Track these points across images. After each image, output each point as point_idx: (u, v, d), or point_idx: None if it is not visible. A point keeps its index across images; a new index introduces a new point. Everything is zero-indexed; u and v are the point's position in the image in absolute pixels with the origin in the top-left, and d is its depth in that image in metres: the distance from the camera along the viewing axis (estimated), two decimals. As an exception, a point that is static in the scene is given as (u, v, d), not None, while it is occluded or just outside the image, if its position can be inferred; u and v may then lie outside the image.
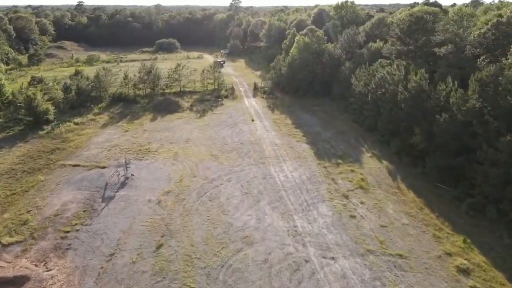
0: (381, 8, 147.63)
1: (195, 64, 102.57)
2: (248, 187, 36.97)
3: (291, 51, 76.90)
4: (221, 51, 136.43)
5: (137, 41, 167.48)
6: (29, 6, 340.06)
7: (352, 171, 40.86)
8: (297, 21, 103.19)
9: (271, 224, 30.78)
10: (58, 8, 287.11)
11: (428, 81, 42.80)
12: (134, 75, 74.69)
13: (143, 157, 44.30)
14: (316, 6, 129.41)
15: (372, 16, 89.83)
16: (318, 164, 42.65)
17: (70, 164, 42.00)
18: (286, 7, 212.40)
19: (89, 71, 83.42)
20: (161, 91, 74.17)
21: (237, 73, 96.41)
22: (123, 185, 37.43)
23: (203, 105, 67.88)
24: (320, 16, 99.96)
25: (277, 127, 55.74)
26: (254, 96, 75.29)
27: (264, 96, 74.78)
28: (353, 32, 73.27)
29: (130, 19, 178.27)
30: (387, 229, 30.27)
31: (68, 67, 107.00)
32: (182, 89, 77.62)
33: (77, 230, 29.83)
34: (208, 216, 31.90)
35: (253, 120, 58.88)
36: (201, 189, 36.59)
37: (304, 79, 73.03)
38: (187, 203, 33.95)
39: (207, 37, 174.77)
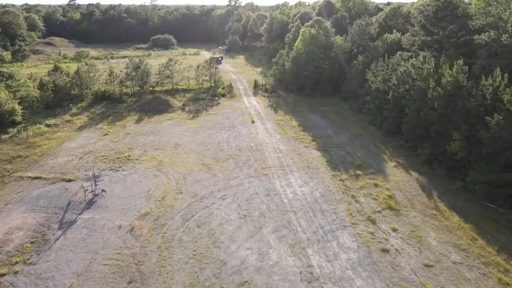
0: (388, 2, 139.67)
1: (191, 61, 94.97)
2: (247, 208, 29.26)
3: (295, 44, 69.20)
4: (220, 47, 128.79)
5: (132, 37, 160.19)
6: (26, 4, 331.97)
7: (376, 185, 33.13)
8: (300, 14, 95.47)
9: (277, 263, 23.07)
10: (55, 6, 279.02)
11: (467, 74, 35.09)
12: (121, 71, 67.00)
13: (120, 167, 36.57)
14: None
15: (382, 9, 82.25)
16: (333, 176, 34.93)
17: (29, 177, 34.27)
18: (287, 3, 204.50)
19: (75, 68, 75.92)
20: (151, 89, 66.45)
21: (236, 70, 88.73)
22: (90, 204, 29.72)
23: (197, 105, 60.18)
24: (326, 8, 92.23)
25: (282, 129, 48.03)
26: (255, 94, 67.60)
27: (266, 94, 67.09)
28: (365, 23, 65.49)
29: (125, 15, 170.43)
30: (434, 270, 22.54)
31: (54, 63, 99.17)
32: (174, 87, 69.93)
33: (16, 273, 22.09)
34: (194, 250, 24.18)
35: (253, 122, 51.19)
36: (188, 211, 28.87)
37: (310, 76, 65.33)
38: (168, 231, 26.23)
39: (206, 33, 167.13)
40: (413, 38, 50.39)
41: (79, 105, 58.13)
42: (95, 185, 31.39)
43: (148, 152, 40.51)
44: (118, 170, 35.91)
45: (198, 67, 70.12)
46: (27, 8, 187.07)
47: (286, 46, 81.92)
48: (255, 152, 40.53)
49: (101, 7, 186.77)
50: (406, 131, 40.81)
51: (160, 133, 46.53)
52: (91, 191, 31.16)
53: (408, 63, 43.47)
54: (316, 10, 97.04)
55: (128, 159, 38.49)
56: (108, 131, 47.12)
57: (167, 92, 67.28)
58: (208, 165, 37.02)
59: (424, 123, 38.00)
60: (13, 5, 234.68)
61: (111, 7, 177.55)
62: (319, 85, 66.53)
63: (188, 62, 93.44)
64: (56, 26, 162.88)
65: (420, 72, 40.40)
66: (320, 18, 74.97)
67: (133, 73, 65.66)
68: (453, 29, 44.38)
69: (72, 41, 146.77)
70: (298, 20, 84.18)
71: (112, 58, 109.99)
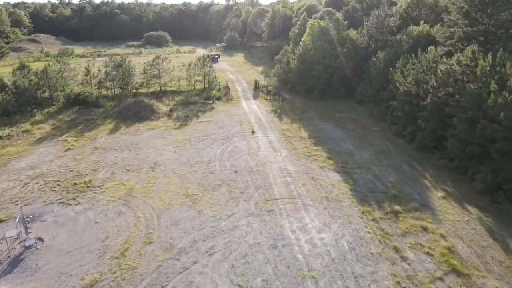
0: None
1: (186, 59, 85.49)
2: (244, 271, 19.87)
3: (302, 39, 59.79)
4: (217, 44, 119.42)
5: (125, 35, 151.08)
6: (23, 2, 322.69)
7: (425, 229, 23.73)
8: (306, 6, 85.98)
9: None
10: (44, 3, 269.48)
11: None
12: (99, 70, 57.60)
13: (74, 199, 27.19)
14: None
15: (395, 3, 72.73)
16: (362, 213, 25.56)
17: None
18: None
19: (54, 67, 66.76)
20: (134, 91, 57.09)
21: (234, 69, 79.26)
22: (13, 264, 20.34)
23: (186, 110, 50.78)
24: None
25: (289, 143, 38.63)
26: (255, 97, 58.17)
27: (268, 97, 57.69)
28: (385, 13, 56.03)
29: (118, 11, 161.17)
30: None
31: (34, 62, 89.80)
32: (162, 88, 60.55)
33: None
34: None
35: (253, 132, 41.80)
36: (157, 277, 19.49)
37: (320, 76, 55.93)
38: (121, 319, 16.84)
39: (203, 31, 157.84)
40: (450, 29, 40.97)
41: (46, 110, 48.75)
42: (26, 232, 21.98)
43: (116, 175, 31.13)
44: (71, 204, 26.53)
45: (189, 65, 60.67)
46: (15, 4, 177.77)
47: (290, 42, 72.51)
48: (256, 175, 31.13)
49: (93, 3, 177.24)
50: (453, 148, 31.33)
51: (137, 148, 37.13)
52: (21, 241, 21.78)
53: (453, 60, 33.99)
54: (323, 3, 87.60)
55: (88, 186, 29.09)
56: (72, 145, 37.71)
57: (154, 95, 57.92)
58: (192, 196, 27.63)
59: (480, 138, 28.59)
60: (8, 3, 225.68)
61: (104, 2, 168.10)
62: (330, 87, 57.13)
63: (182, 60, 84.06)
64: (44, 22, 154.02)
65: (471, 72, 30.98)
66: (330, 9, 65.54)
67: (114, 73, 56.30)
68: (506, 17, 34.97)
69: (59, 38, 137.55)
70: (305, 12, 74.60)
71: (99, 56, 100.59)
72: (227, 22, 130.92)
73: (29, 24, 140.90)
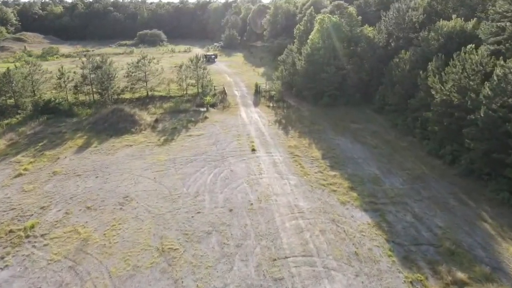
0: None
1: (180, 59, 77.58)
2: None
3: (310, 37, 51.93)
4: (215, 43, 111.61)
5: (118, 34, 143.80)
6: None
7: (509, 315, 15.91)
8: (312, 1, 78.12)
9: None
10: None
11: None
12: (74, 72, 49.82)
13: (1, 259, 19.38)
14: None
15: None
16: (411, 283, 17.74)
17: None
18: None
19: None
20: (115, 97, 49.29)
21: (232, 70, 71.37)
22: None
23: (175, 120, 43.03)
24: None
25: (298, 165, 30.83)
26: (256, 104, 50.35)
27: (271, 104, 49.91)
28: (406, 6, 48.14)
29: (111, 8, 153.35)
30: None
31: (13, 62, 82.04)
32: (149, 93, 52.75)
33: None
34: None
35: (254, 150, 34.00)
36: None
37: (331, 79, 48.16)
38: None
39: (201, 29, 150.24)
40: (497, 24, 33.15)
41: (7, 121, 41.01)
42: None
43: (71, 216, 23.34)
44: (-5, 267, 18.72)
45: (180, 67, 52.81)
46: (5, 2, 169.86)
47: (295, 40, 64.66)
48: (258, 216, 23.34)
49: (86, 1, 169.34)
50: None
51: (107, 173, 29.33)
52: None
53: (510, 62, 26.17)
54: (331, -3, 79.71)
55: (28, 235, 21.32)
56: (25, 169, 29.91)
57: (139, 101, 50.21)
58: (169, 252, 19.84)
59: None
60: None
61: (96, 0, 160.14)
62: (342, 92, 49.35)
63: (175, 60, 76.16)
64: (33, 21, 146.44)
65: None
66: (341, 1, 57.70)
67: (92, 76, 48.55)
68: None
69: (48, 37, 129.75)
70: (311, 7, 66.65)
71: (85, 56, 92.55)
72: (225, 20, 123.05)
73: (16, 22, 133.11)
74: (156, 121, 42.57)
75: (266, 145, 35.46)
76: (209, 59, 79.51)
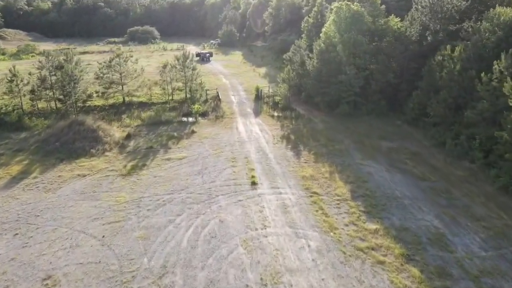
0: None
1: (170, 58, 67.87)
2: None
3: (324, 30, 42.14)
4: (211, 41, 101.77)
5: (109, 31, 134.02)
6: None
7: None
8: (320, -8, 68.11)
9: None
10: None
11: None
12: (30, 74, 40.06)
13: None
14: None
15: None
16: None
17: None
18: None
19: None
20: (81, 104, 39.60)
21: (230, 71, 61.47)
22: None
23: (152, 136, 33.32)
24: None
25: (319, 211, 21.14)
26: (257, 113, 40.58)
27: (275, 114, 40.15)
28: (446, -9, 38.37)
29: (102, 4, 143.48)
30: None
31: (-18, 61, 72.54)
32: (127, 99, 43.01)
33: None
34: None
35: (255, 184, 24.26)
36: None
37: (350, 82, 38.46)
38: None
39: (197, 26, 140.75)
40: None
41: None
42: None
43: None
44: None
45: (164, 67, 43.03)
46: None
47: (303, 35, 54.97)
48: (262, 323, 13.61)
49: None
50: None
51: (33, 228, 19.61)
52: None
53: None
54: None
55: None
56: None
57: (112, 109, 40.64)
58: None
59: None
60: None
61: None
62: (364, 98, 39.68)
63: (166, 59, 66.18)
64: (18, 17, 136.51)
65: None
66: (361, -13, 47.87)
67: (53, 78, 38.89)
68: None
69: (31, 34, 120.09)
70: (322, -3, 56.77)
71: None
72: (223, 16, 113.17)
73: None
74: (128, 137, 32.84)
75: (272, 174, 25.73)
76: (203, 58, 69.77)
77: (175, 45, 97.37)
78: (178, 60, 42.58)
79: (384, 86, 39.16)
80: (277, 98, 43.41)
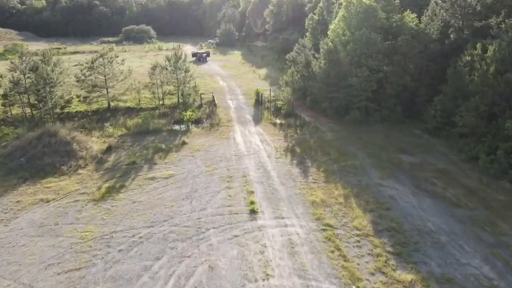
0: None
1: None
2: None
3: (332, 26, 37.80)
4: (209, 40, 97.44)
5: (104, 30, 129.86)
6: None
7: None
8: (325, -13, 63.68)
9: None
10: None
11: None
12: (1, 76, 35.73)
13: None
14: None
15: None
16: None
17: None
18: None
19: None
20: (59, 110, 35.26)
21: (228, 72, 57.02)
22: None
23: (137, 148, 28.95)
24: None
25: (335, 252, 16.73)
26: (257, 120, 36.17)
27: (278, 121, 35.74)
28: (470, -17, 33.92)
29: (97, 2, 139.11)
30: None
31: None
32: (112, 104, 38.65)
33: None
34: None
35: (254, 212, 19.84)
36: None
37: (362, 85, 34.10)
38: None
39: (196, 25, 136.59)
40: None
41: None
42: None
43: None
44: None
45: (153, 68, 38.64)
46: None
47: (307, 33, 50.58)
48: None
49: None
50: None
51: (-30, 276, 15.23)
52: None
53: None
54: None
55: None
56: None
57: (96, 116, 36.32)
58: None
59: None
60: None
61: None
62: (378, 103, 35.29)
63: (160, 59, 61.94)
64: (10, 15, 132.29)
65: None
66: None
67: (28, 81, 34.53)
68: None
69: (23, 34, 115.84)
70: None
71: (57, 54, 78.51)
72: (222, 14, 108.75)
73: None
74: (109, 149, 28.47)
75: (275, 199, 21.34)
76: (200, 58, 65.42)
77: (171, 45, 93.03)
78: (169, 61, 38.18)
79: (400, 90, 34.77)
80: (280, 103, 39.02)
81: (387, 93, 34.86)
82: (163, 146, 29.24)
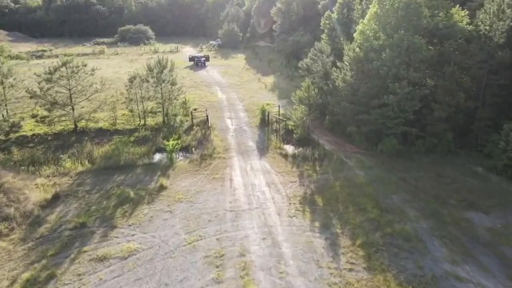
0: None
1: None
2: None
3: (359, 27, 29.26)
4: (210, 42, 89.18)
5: (101, 30, 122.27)
6: None
7: None
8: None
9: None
10: None
11: None
12: None
13: None
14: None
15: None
16: None
17: None
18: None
19: None
20: (4, 138, 27.17)
21: (228, 80, 48.54)
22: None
23: (95, 196, 20.75)
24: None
25: None
26: (262, 149, 27.72)
27: (290, 150, 27.29)
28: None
29: (94, 0, 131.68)
30: None
31: None
32: (80, 125, 30.47)
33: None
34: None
35: None
36: None
37: (401, 105, 25.62)
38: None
39: (198, 25, 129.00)
40: None
41: None
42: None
43: None
44: None
45: (131, 80, 30.38)
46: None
47: (323, 35, 42.08)
48: None
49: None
50: None
51: None
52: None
53: None
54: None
55: None
56: None
57: (57, 141, 28.24)
58: None
59: None
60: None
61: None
62: (422, 128, 26.79)
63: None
64: (2, 15, 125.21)
65: None
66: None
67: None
68: None
69: (13, 34, 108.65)
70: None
71: (41, 57, 71.05)
72: (225, 13, 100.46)
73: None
74: (55, 199, 20.33)
75: (291, 310, 12.99)
76: (198, 63, 57.15)
77: (169, 46, 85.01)
78: (151, 70, 29.93)
79: (451, 111, 26.27)
80: (291, 124, 30.61)
81: (434, 115, 26.38)
82: (132, 193, 20.98)
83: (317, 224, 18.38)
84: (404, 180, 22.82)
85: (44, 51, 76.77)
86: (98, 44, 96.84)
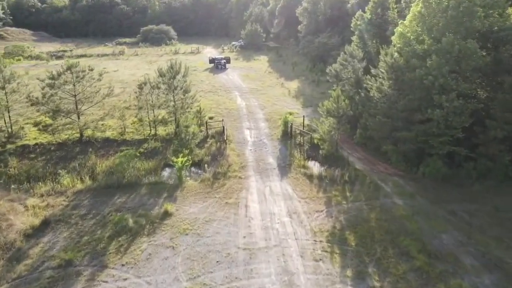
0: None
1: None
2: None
3: (398, 29, 25.39)
4: (233, 42, 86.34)
5: (125, 30, 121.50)
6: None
7: None
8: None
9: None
10: None
11: None
12: None
13: None
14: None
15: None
16: None
17: None
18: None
19: None
20: (1, 149, 24.93)
21: (249, 85, 45.30)
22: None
23: (87, 226, 17.97)
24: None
25: None
26: (283, 168, 24.31)
27: (315, 170, 23.77)
28: None
29: (119, 0, 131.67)
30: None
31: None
32: (86, 135, 27.99)
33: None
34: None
35: None
36: None
37: (448, 120, 21.62)
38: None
39: (221, 25, 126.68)
40: None
41: None
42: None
43: None
44: None
45: (140, 87, 27.63)
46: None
47: (353, 38, 38.20)
48: None
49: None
50: None
51: None
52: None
53: None
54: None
55: None
56: None
57: (60, 151, 25.91)
58: None
59: None
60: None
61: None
62: (472, 148, 22.70)
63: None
64: (29, 15, 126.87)
65: None
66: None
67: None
68: None
69: (38, 34, 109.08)
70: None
71: (61, 57, 69.93)
72: (249, 12, 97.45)
73: (4, 16, 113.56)
74: (44, 225, 17.70)
75: None
76: (218, 65, 54.29)
77: (190, 47, 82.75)
78: (162, 76, 27.09)
79: (509, 129, 22.08)
80: (317, 137, 27.06)
81: (488, 134, 22.27)
82: (131, 221, 18.08)
83: (349, 272, 14.89)
84: (454, 214, 18.96)
85: (65, 51, 76.01)
86: (120, 44, 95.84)
